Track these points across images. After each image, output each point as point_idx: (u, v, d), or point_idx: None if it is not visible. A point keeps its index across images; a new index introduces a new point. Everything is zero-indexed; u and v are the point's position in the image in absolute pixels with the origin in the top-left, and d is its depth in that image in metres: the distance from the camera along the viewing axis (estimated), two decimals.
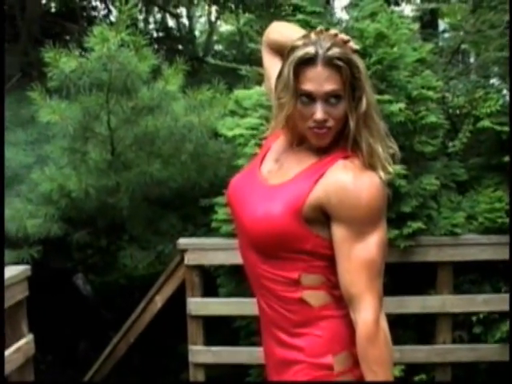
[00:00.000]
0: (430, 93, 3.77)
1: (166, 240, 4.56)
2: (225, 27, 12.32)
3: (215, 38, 11.31)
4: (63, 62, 3.68)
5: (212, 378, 4.21)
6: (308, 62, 1.66)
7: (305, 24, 3.98)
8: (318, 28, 1.77)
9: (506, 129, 3.92)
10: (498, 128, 3.93)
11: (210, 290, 4.17)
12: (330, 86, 1.66)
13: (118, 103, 3.99)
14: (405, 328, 4.04)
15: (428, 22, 7.27)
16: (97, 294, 7.08)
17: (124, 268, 6.18)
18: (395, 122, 3.61)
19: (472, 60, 5.07)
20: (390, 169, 1.75)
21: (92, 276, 7.03)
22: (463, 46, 4.99)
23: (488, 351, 3.93)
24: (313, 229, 1.71)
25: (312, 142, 1.74)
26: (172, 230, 4.59)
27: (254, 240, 1.78)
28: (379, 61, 3.67)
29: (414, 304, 3.91)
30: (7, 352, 3.27)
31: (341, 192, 1.67)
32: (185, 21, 10.17)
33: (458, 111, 4.20)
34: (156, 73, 4.16)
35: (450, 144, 4.05)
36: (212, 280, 4.22)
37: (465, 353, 3.95)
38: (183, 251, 3.98)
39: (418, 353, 3.97)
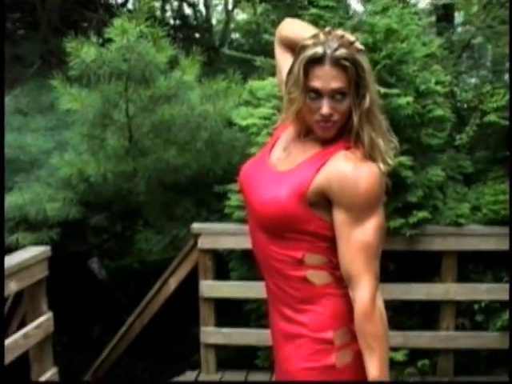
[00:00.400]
0: (438, 87, 3.92)
1: (180, 225, 4.73)
2: (242, 16, 12.41)
3: (232, 26, 11.42)
4: (84, 52, 3.86)
5: (222, 359, 4.40)
6: (317, 61, 1.82)
7: (318, 18, 4.15)
8: (327, 29, 1.93)
9: None
10: (504, 122, 4.08)
11: (222, 274, 4.35)
12: (336, 84, 1.82)
13: (136, 92, 4.17)
14: (410, 314, 4.22)
15: (443, 14, 7.35)
16: (111, 278, 7.27)
17: (138, 253, 6.36)
18: (403, 114, 3.77)
19: (483, 55, 5.18)
20: (390, 161, 1.91)
21: (107, 260, 7.20)
22: (474, 41, 5.13)
23: (489, 339, 4.10)
24: (316, 212, 1.88)
25: (318, 134, 1.91)
26: (186, 215, 4.77)
27: (262, 221, 1.95)
28: (388, 55, 3.82)
29: (419, 291, 4.08)
30: (28, 328, 3.48)
31: (341, 180, 1.83)
32: (202, 9, 10.30)
33: (465, 105, 4.33)
34: (173, 62, 4.32)
35: (458, 137, 4.19)
36: (225, 264, 4.41)
37: (467, 340, 4.12)
38: (197, 235, 4.17)
39: (422, 338, 4.14)
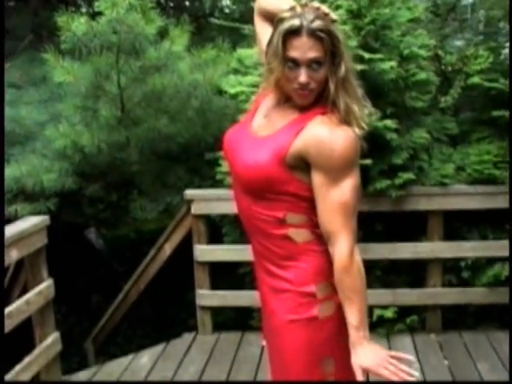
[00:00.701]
0: (422, 51, 4.06)
1: (173, 192, 4.87)
2: None
3: None
4: (75, 26, 3.98)
5: (218, 321, 4.59)
6: (294, 32, 1.95)
7: None
8: (303, 1, 2.07)
9: (496, 85, 4.22)
10: (487, 84, 4.22)
11: (216, 239, 4.52)
12: (312, 54, 1.96)
13: (127, 63, 4.28)
14: (398, 273, 4.40)
15: None
16: (109, 248, 7.45)
17: (134, 222, 6.52)
18: (387, 79, 3.91)
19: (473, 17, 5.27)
20: (365, 126, 2.06)
21: (104, 230, 7.37)
22: (463, 3, 5.23)
23: (475, 294, 4.29)
24: (295, 174, 2.02)
25: (297, 101, 2.05)
26: (179, 182, 4.91)
27: (245, 185, 2.11)
28: (372, 21, 3.96)
29: (406, 250, 4.26)
30: (30, 294, 3.66)
31: (318, 144, 1.97)
32: None
33: (450, 68, 4.45)
34: (163, 33, 4.43)
35: (442, 99, 4.33)
36: (219, 229, 4.57)
37: (454, 296, 4.32)
38: (190, 201, 4.35)
39: (410, 296, 4.33)
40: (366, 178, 4.05)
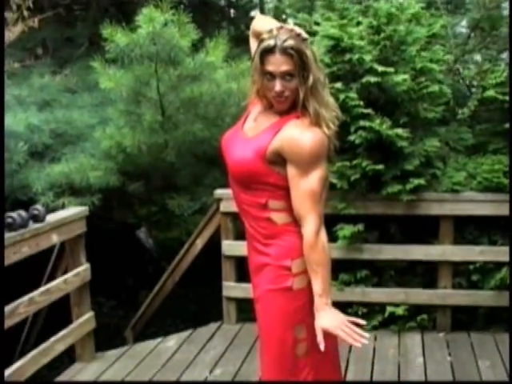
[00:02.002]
0: (434, 65, 4.51)
1: (209, 192, 5.42)
2: None
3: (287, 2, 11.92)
4: (118, 38, 4.61)
5: (242, 311, 5.11)
6: (270, 51, 2.49)
7: (329, 2, 4.81)
8: (279, 25, 2.60)
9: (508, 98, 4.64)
10: (502, 98, 4.65)
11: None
12: (285, 68, 2.49)
13: (166, 72, 4.89)
14: (412, 274, 4.85)
15: None
16: (158, 248, 8.07)
17: (186, 225, 7.10)
18: (399, 90, 4.39)
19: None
20: (333, 127, 2.58)
21: (155, 231, 7.99)
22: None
23: (484, 297, 4.70)
24: (274, 167, 2.55)
25: (276, 107, 2.59)
26: (215, 183, 5.47)
27: (235, 176, 2.66)
28: (388, 37, 4.45)
29: (418, 252, 4.71)
30: (68, 275, 4.27)
31: (291, 142, 2.49)
32: None
33: (468, 82, 4.90)
34: (199, 45, 5.03)
35: (460, 111, 4.79)
36: None
37: (463, 297, 4.73)
38: (219, 200, 4.90)
39: (421, 295, 4.77)
40: (379, 182, 4.54)
